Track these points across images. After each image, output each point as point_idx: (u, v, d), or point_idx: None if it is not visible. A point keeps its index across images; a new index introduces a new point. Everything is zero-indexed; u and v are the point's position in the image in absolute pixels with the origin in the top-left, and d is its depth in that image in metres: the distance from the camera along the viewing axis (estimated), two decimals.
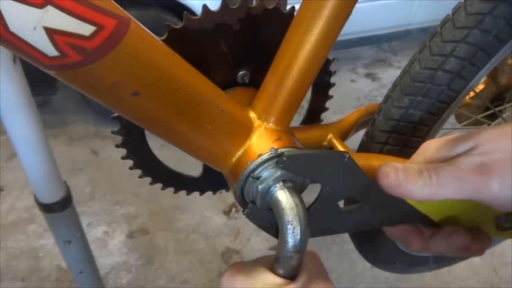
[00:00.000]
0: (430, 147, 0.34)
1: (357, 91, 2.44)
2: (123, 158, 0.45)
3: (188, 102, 0.33)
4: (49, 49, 0.25)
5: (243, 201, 0.38)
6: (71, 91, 2.17)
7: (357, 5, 0.38)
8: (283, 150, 0.36)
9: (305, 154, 0.35)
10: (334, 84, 0.51)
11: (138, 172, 0.47)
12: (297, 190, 0.35)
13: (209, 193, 0.53)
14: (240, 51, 0.42)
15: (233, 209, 1.60)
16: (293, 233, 0.32)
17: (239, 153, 0.38)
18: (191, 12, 1.87)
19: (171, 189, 0.50)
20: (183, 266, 1.39)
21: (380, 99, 0.56)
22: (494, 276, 1.39)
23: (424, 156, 0.34)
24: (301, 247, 0.33)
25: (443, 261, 0.81)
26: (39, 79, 0.87)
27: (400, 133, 0.52)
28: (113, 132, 0.42)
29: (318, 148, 0.54)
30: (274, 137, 0.37)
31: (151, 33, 0.31)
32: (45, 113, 2.10)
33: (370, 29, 2.43)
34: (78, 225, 0.85)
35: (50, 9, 0.24)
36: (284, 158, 0.34)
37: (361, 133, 0.61)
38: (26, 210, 1.58)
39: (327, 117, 0.55)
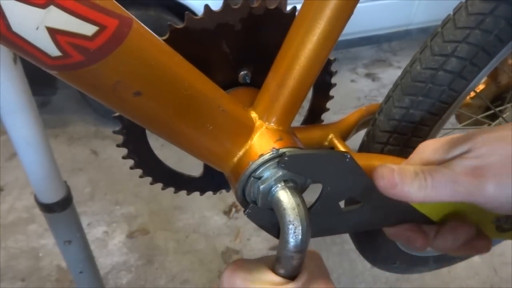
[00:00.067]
0: (427, 148, 0.34)
1: (357, 91, 2.44)
2: (124, 157, 0.45)
3: (190, 102, 0.33)
4: (52, 49, 0.25)
5: (244, 201, 0.38)
6: (71, 91, 2.17)
7: (357, 5, 0.38)
8: (284, 150, 0.36)
9: (306, 154, 0.35)
10: (335, 85, 0.51)
11: (138, 172, 0.47)
12: (298, 190, 0.35)
13: (209, 193, 0.53)
14: (241, 51, 0.42)
15: (233, 209, 1.60)
16: (294, 233, 0.32)
17: (241, 153, 0.38)
18: (191, 12, 1.86)
19: (171, 189, 0.50)
20: (183, 266, 1.39)
21: (380, 99, 0.56)
22: (494, 276, 1.39)
23: (421, 157, 0.34)
24: (302, 247, 0.33)
25: (443, 261, 0.81)
26: (39, 79, 0.87)
27: (401, 133, 0.52)
28: (114, 132, 0.42)
29: (319, 148, 0.54)
30: (275, 137, 0.37)
31: (153, 33, 0.31)
32: (45, 113, 2.10)
33: (370, 29, 2.43)
34: (78, 225, 0.85)
35: (52, 9, 0.24)
36: (286, 158, 0.34)
37: (362, 133, 0.61)
38: (26, 210, 1.57)
39: (327, 117, 0.55)
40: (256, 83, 0.44)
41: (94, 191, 1.68)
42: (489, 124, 0.76)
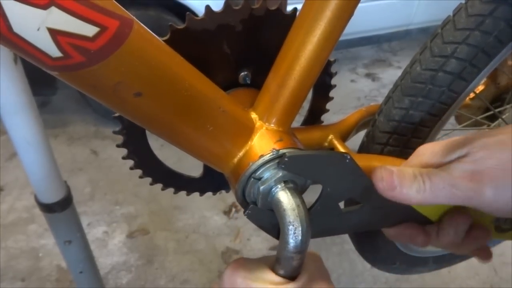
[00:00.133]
0: (425, 151, 0.34)
1: (357, 91, 2.44)
2: (124, 158, 0.45)
3: (190, 103, 0.34)
4: (53, 50, 0.25)
5: (244, 202, 0.38)
6: (71, 91, 2.17)
7: None
8: (284, 151, 0.36)
9: (306, 155, 0.35)
10: (335, 86, 0.52)
11: (138, 172, 0.47)
12: (298, 191, 0.36)
13: (209, 193, 0.53)
14: (242, 52, 0.42)
15: (233, 209, 1.60)
16: (294, 234, 0.32)
17: (241, 154, 0.38)
18: (191, 12, 1.86)
19: (171, 189, 0.50)
20: (183, 266, 1.39)
21: (380, 99, 0.56)
22: (494, 276, 1.39)
23: (420, 160, 0.34)
24: (302, 248, 0.33)
25: (442, 261, 0.81)
26: (40, 79, 0.87)
27: (400, 134, 0.52)
28: (114, 132, 0.43)
29: (319, 149, 0.54)
30: (275, 138, 0.37)
31: (154, 34, 0.31)
32: (45, 113, 2.10)
33: (370, 29, 2.43)
34: (78, 225, 0.85)
35: (53, 10, 0.24)
36: (286, 159, 0.34)
37: (361, 134, 0.61)
38: (26, 210, 1.57)
39: (327, 116, 0.55)
40: (257, 84, 0.44)
41: (94, 191, 1.68)
42: (489, 125, 0.76)
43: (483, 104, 0.78)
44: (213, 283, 0.36)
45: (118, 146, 0.44)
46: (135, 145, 0.44)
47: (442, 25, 0.51)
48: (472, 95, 0.76)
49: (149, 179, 0.48)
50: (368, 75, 2.63)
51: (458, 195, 0.30)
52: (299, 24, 0.38)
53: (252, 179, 0.36)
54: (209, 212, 1.59)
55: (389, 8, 2.33)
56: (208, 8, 0.38)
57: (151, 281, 1.35)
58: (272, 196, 0.35)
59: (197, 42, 0.39)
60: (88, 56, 0.26)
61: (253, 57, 0.43)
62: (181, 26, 0.38)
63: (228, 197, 1.62)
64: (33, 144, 0.69)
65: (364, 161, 0.49)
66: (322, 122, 0.55)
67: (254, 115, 0.39)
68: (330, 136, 0.54)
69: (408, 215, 0.40)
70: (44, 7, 0.24)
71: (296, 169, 0.35)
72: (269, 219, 0.37)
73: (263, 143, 0.37)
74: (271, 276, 0.33)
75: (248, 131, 0.38)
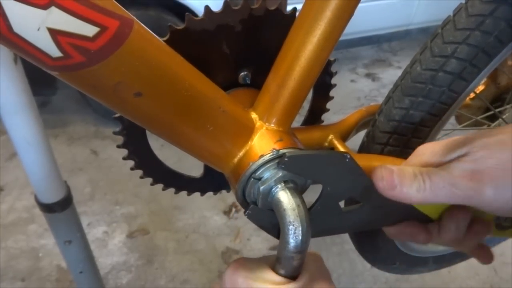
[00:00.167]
0: (425, 151, 0.35)
1: (357, 91, 2.44)
2: (124, 158, 0.45)
3: (190, 103, 0.34)
4: (53, 50, 0.25)
5: (245, 202, 0.38)
6: (71, 91, 2.17)
7: None
8: (284, 151, 0.36)
9: (306, 155, 0.35)
10: (335, 85, 0.52)
11: (138, 172, 0.47)
12: (298, 191, 0.36)
13: (209, 193, 0.53)
14: (241, 52, 0.42)
15: (233, 209, 1.60)
16: (294, 233, 0.32)
17: (241, 154, 0.38)
18: (191, 12, 1.87)
19: (171, 189, 0.50)
20: (183, 266, 1.39)
21: (380, 99, 0.56)
22: (494, 276, 1.39)
23: (420, 159, 0.35)
24: (302, 248, 0.33)
25: (443, 261, 0.81)
26: (40, 79, 0.87)
27: (401, 134, 0.52)
28: (114, 133, 0.43)
29: (319, 149, 0.54)
30: (275, 138, 0.37)
31: (154, 34, 0.31)
32: (45, 113, 2.10)
33: (370, 29, 2.43)
34: (78, 225, 0.85)
35: (54, 10, 0.24)
36: (286, 159, 0.34)
37: (361, 134, 0.61)
38: (26, 210, 1.57)
39: (327, 117, 0.55)
40: (256, 84, 0.44)
41: (94, 191, 1.68)
42: (489, 125, 0.76)
43: (483, 104, 0.78)
44: (214, 283, 0.36)
45: (118, 146, 0.44)
46: (135, 145, 0.44)
47: (443, 25, 0.51)
48: (472, 95, 0.76)
49: (149, 180, 0.48)
50: (368, 75, 2.63)
51: (458, 194, 0.30)
52: (299, 24, 0.38)
53: (252, 179, 0.36)
54: (209, 212, 1.59)
55: (389, 8, 2.33)
56: (207, 8, 0.38)
57: (151, 281, 1.35)
58: (272, 196, 0.35)
59: (196, 42, 0.39)
60: (88, 56, 0.26)
61: (253, 57, 0.43)
62: (180, 26, 0.38)
63: (228, 197, 1.62)
64: (33, 144, 0.69)
65: (364, 161, 0.49)
66: (323, 121, 0.55)
67: (254, 115, 0.39)
68: (330, 136, 0.54)
69: (408, 214, 0.40)
70: (44, 7, 0.24)
71: (296, 169, 0.35)
72: (270, 219, 0.37)
73: (263, 143, 0.37)
74: (272, 276, 0.33)
75: (248, 131, 0.38)
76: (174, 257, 1.43)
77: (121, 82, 0.29)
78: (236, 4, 0.39)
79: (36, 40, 0.25)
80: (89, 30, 0.26)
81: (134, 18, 0.28)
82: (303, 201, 0.34)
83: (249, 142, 0.38)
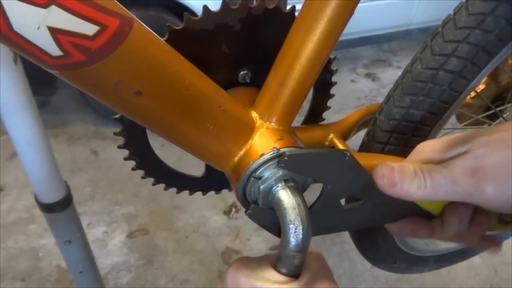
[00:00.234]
0: (426, 148, 0.35)
1: (357, 91, 2.44)
2: (125, 159, 0.45)
3: (191, 102, 0.33)
4: (53, 49, 0.25)
5: (245, 201, 0.38)
6: (71, 91, 2.17)
7: None
8: (285, 150, 0.36)
9: (306, 154, 0.35)
10: (335, 83, 0.51)
11: (138, 172, 0.47)
12: (299, 189, 0.35)
13: (209, 192, 0.53)
14: (241, 51, 0.42)
15: (233, 209, 1.60)
16: (295, 232, 0.32)
17: (241, 152, 0.38)
18: (191, 12, 1.87)
19: (171, 189, 0.50)
20: (183, 266, 1.39)
21: (380, 99, 0.56)
22: (494, 276, 1.39)
23: (420, 156, 0.35)
24: (303, 247, 0.33)
25: (443, 260, 0.81)
26: (40, 79, 0.87)
27: (401, 133, 0.52)
28: (115, 134, 0.42)
29: (319, 147, 0.54)
30: (276, 137, 0.37)
31: (154, 33, 0.31)
32: (45, 113, 2.10)
33: (370, 29, 2.43)
34: (78, 225, 0.85)
35: (54, 8, 0.24)
36: (285, 158, 0.34)
37: (362, 133, 0.61)
38: (26, 210, 1.57)
39: (327, 117, 0.55)
40: (256, 83, 0.44)
41: (94, 191, 1.68)
42: (490, 124, 0.76)
43: (484, 103, 0.77)
44: (216, 283, 0.36)
45: (119, 147, 0.44)
46: (136, 146, 0.44)
47: (443, 24, 0.51)
48: (473, 94, 0.76)
49: (150, 180, 0.48)
50: (368, 75, 2.63)
51: (459, 191, 0.30)
52: (299, 23, 0.38)
53: (253, 178, 0.36)
54: (209, 212, 1.59)
55: (389, 8, 2.33)
56: (205, 8, 0.38)
57: (151, 281, 1.35)
58: (273, 195, 0.35)
59: (195, 42, 0.39)
60: (88, 54, 0.26)
61: (252, 56, 0.43)
62: (179, 26, 0.38)
63: (228, 197, 1.62)
64: (33, 144, 0.69)
65: (364, 160, 0.49)
66: (324, 119, 0.55)
67: (254, 114, 0.39)
68: (331, 135, 0.54)
69: (410, 210, 0.40)
70: (44, 5, 0.24)
71: (296, 167, 0.35)
72: (271, 218, 0.37)
73: (263, 142, 0.37)
74: (273, 275, 0.33)
75: (248, 130, 0.38)
76: (174, 257, 1.42)
77: (121, 81, 0.29)
78: (234, 3, 0.39)
79: (36, 38, 0.25)
80: (89, 28, 0.25)
81: (134, 17, 0.28)
82: (303, 200, 0.34)
83: (250, 141, 0.37)
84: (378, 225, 0.42)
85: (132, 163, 0.46)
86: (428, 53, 0.50)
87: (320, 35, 0.36)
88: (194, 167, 0.54)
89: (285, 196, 0.34)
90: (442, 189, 0.30)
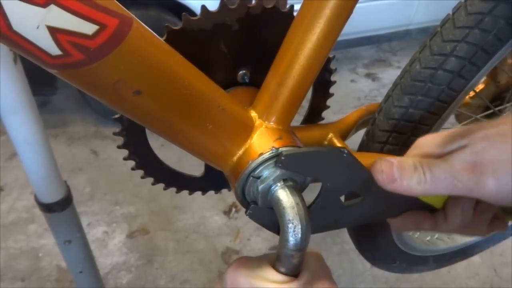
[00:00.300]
0: (425, 143, 0.34)
1: (357, 91, 2.44)
2: (125, 159, 0.45)
3: (190, 101, 0.34)
4: (52, 48, 0.25)
5: (244, 200, 0.38)
6: (71, 91, 2.17)
7: (357, 5, 0.38)
8: (283, 149, 0.36)
9: (302, 153, 0.35)
10: (334, 82, 0.52)
11: (138, 172, 0.47)
12: (297, 189, 0.36)
13: (209, 193, 0.53)
14: (239, 51, 0.42)
15: (233, 209, 1.60)
16: (294, 231, 0.32)
17: (240, 152, 0.38)
18: (191, 12, 1.87)
19: (171, 189, 0.50)
20: (183, 266, 1.39)
21: (380, 99, 0.56)
22: (494, 276, 1.39)
23: (420, 151, 0.34)
24: (302, 246, 0.33)
25: (443, 260, 0.81)
26: (39, 79, 0.87)
27: (400, 133, 0.52)
28: (114, 133, 0.43)
29: (317, 146, 0.54)
30: (275, 136, 0.37)
31: (153, 33, 0.31)
32: (45, 113, 2.10)
33: (370, 29, 2.43)
34: (78, 225, 0.85)
35: (53, 8, 0.24)
36: (282, 158, 0.34)
37: (361, 132, 0.61)
38: (26, 210, 1.58)
39: (327, 117, 0.55)
40: (255, 82, 0.44)
41: (94, 191, 1.68)
42: None
43: (483, 103, 0.78)
44: (215, 283, 0.36)
45: (119, 147, 0.44)
46: (135, 145, 0.44)
47: (442, 23, 0.51)
48: (472, 93, 0.76)
49: (149, 179, 0.48)
50: (368, 75, 2.63)
51: (459, 186, 0.30)
52: (298, 22, 0.38)
53: (252, 177, 0.36)
54: (209, 212, 1.59)
55: (389, 8, 2.33)
56: (204, 7, 0.38)
57: (151, 281, 1.35)
58: (272, 194, 0.35)
59: (194, 42, 0.39)
60: (87, 54, 0.26)
61: (251, 56, 0.43)
62: (177, 26, 0.38)
63: (228, 197, 1.62)
64: (33, 144, 0.69)
65: (363, 159, 0.49)
66: (323, 119, 0.55)
67: (253, 114, 0.39)
68: (330, 135, 0.54)
69: (411, 205, 0.40)
70: (44, 5, 0.24)
71: (294, 167, 0.35)
72: (270, 217, 0.37)
73: (262, 141, 0.37)
74: (272, 274, 0.33)
75: (247, 129, 0.38)
76: (174, 257, 1.43)
77: (120, 80, 0.29)
78: (233, 3, 0.39)
79: (36, 38, 0.25)
80: (89, 28, 0.26)
81: (134, 16, 0.29)
82: (302, 199, 0.34)
83: (249, 141, 0.38)
84: (380, 220, 0.42)
85: (131, 163, 0.46)
86: (427, 53, 0.50)
87: (319, 34, 0.37)
88: (194, 167, 0.54)
89: (284, 196, 0.34)
90: (442, 183, 0.30)
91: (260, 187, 0.35)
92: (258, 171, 0.36)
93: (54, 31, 0.25)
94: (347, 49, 2.75)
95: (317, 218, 0.38)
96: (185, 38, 0.38)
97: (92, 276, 0.94)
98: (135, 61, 0.29)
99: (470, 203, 0.37)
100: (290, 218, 0.33)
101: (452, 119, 0.83)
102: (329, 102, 0.54)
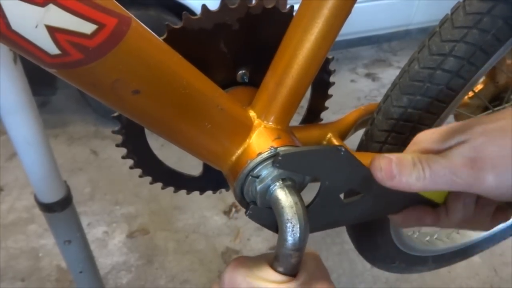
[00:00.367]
0: (424, 138, 0.34)
1: (357, 91, 2.44)
2: (123, 157, 0.45)
3: (188, 101, 0.34)
4: (51, 47, 0.25)
5: (243, 200, 0.38)
6: (71, 91, 2.17)
7: (357, 5, 0.38)
8: (282, 148, 0.36)
9: (300, 152, 0.35)
10: (333, 83, 0.52)
11: (138, 172, 0.47)
12: (296, 188, 0.36)
13: (209, 193, 0.53)
14: (239, 51, 0.42)
15: (233, 209, 1.60)
16: (292, 231, 0.32)
17: (239, 151, 0.38)
18: (191, 12, 1.87)
19: (171, 189, 0.50)
20: (183, 266, 1.39)
21: (380, 99, 0.56)
22: (494, 276, 1.39)
23: (419, 146, 0.34)
24: (300, 245, 0.33)
25: (442, 260, 0.81)
26: (39, 79, 0.87)
27: (399, 132, 0.53)
28: (113, 132, 0.43)
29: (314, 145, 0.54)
30: (273, 136, 0.38)
31: (152, 32, 0.31)
32: (45, 113, 2.11)
33: (370, 29, 2.43)
34: (78, 225, 0.85)
35: (51, 7, 0.24)
36: (279, 158, 0.34)
37: (360, 132, 0.61)
38: (26, 210, 1.58)
39: (327, 117, 0.55)
40: (255, 82, 0.44)
41: (94, 191, 1.68)
42: None
43: (482, 103, 0.78)
44: (213, 283, 0.36)
45: (117, 145, 0.44)
46: (134, 144, 0.44)
47: (441, 23, 0.51)
48: (471, 94, 0.76)
49: (149, 179, 0.48)
50: (368, 75, 2.63)
51: (459, 182, 0.29)
52: (296, 22, 0.38)
53: (250, 177, 0.36)
54: (209, 212, 1.59)
55: (389, 8, 2.34)
56: (204, 7, 0.38)
57: (151, 281, 1.35)
58: (270, 194, 0.35)
59: (194, 41, 0.39)
60: (86, 53, 0.26)
61: (251, 56, 0.43)
62: (177, 25, 0.38)
63: (228, 197, 1.62)
64: (33, 144, 0.69)
65: (362, 159, 0.49)
66: (322, 120, 0.55)
67: (252, 113, 0.40)
68: (329, 135, 0.54)
69: (412, 200, 0.40)
70: (42, 4, 0.24)
71: (291, 166, 0.35)
72: (270, 217, 0.37)
73: (261, 141, 0.37)
74: (270, 274, 0.33)
75: (246, 129, 0.38)
76: (174, 257, 1.43)
77: (119, 80, 0.29)
78: (233, 2, 0.39)
79: (34, 37, 0.25)
80: (87, 27, 0.26)
81: (132, 16, 0.29)
82: (301, 199, 0.34)
83: (247, 140, 0.38)
84: (381, 217, 0.42)
85: (131, 162, 0.46)
86: (426, 53, 0.50)
87: (318, 34, 0.37)
88: (193, 167, 0.54)
89: (282, 195, 0.34)
90: (441, 179, 0.30)
91: (258, 187, 0.35)
92: (256, 170, 0.36)
93: (53, 31, 0.25)
94: (347, 49, 2.75)
95: (317, 217, 0.38)
96: (185, 37, 0.38)
97: (92, 276, 0.94)
98: (133, 61, 0.29)
99: (471, 197, 0.37)
100: (289, 218, 0.33)
101: (451, 119, 0.83)
102: (329, 102, 0.54)
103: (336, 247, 1.47)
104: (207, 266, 1.40)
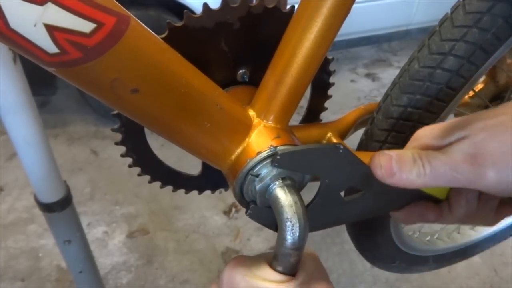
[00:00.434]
0: (424, 134, 0.34)
1: (357, 91, 2.44)
2: (122, 156, 0.45)
3: (187, 100, 0.34)
4: (49, 46, 0.25)
5: (243, 199, 0.38)
6: (71, 91, 2.17)
7: (357, 5, 0.38)
8: (281, 148, 0.36)
9: (298, 151, 0.35)
10: (333, 84, 0.52)
11: (138, 172, 0.47)
12: (296, 187, 0.36)
13: (209, 193, 0.53)
14: (240, 50, 0.42)
15: (233, 209, 1.60)
16: (291, 230, 0.32)
17: (238, 150, 0.38)
18: (191, 12, 1.86)
19: (171, 189, 0.50)
20: (183, 266, 1.39)
21: (380, 100, 0.56)
22: (494, 276, 1.39)
23: (419, 142, 0.34)
24: (299, 244, 0.33)
25: (443, 260, 0.81)
26: (39, 79, 0.87)
27: (399, 132, 0.52)
28: (112, 130, 0.43)
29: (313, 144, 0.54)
30: (273, 135, 0.38)
31: (151, 31, 0.31)
32: (45, 113, 2.11)
33: (370, 29, 2.43)
34: (78, 225, 0.85)
35: (50, 6, 0.24)
36: (278, 157, 0.34)
37: (360, 132, 0.61)
38: (26, 210, 1.58)
39: (327, 117, 0.55)
40: (255, 81, 0.44)
41: (94, 191, 1.68)
42: None
43: (482, 102, 0.77)
44: (212, 283, 0.36)
45: (116, 144, 0.44)
46: (133, 142, 0.44)
47: (440, 22, 0.51)
48: (471, 93, 0.76)
49: (148, 178, 0.48)
50: (368, 75, 2.63)
51: (459, 178, 0.29)
52: (296, 21, 0.38)
53: (250, 176, 0.36)
54: (209, 212, 1.59)
55: (389, 8, 2.34)
56: (205, 5, 0.38)
57: (151, 281, 1.35)
58: (270, 193, 0.35)
59: (195, 40, 0.39)
60: (84, 52, 0.26)
61: (251, 55, 0.43)
62: (179, 23, 0.38)
63: (228, 197, 1.62)
64: (33, 144, 0.69)
65: (362, 158, 0.49)
66: (321, 120, 0.55)
67: (252, 112, 0.39)
68: (329, 134, 0.54)
69: (414, 197, 0.39)
70: (41, 3, 0.24)
71: (290, 165, 0.35)
72: (270, 216, 0.37)
73: (260, 140, 0.37)
74: (269, 273, 0.33)
75: (245, 128, 0.38)
76: (174, 257, 1.43)
77: (118, 79, 0.29)
78: (234, 2, 0.39)
79: (33, 36, 0.25)
80: (86, 26, 0.26)
81: (131, 15, 0.29)
82: (300, 198, 0.34)
83: (247, 139, 0.38)
84: (383, 214, 0.42)
85: (130, 162, 0.46)
86: (426, 52, 0.50)
87: (317, 33, 0.37)
88: (193, 166, 0.54)
89: (282, 194, 0.34)
90: (442, 176, 0.30)
91: (258, 186, 0.35)
92: (256, 169, 0.36)
93: (52, 29, 0.25)
94: (347, 49, 2.75)
95: (318, 215, 0.38)
96: (186, 35, 0.38)
97: (92, 276, 0.94)
98: (132, 60, 0.29)
99: (474, 192, 0.36)
100: (288, 217, 0.33)
101: (451, 118, 0.83)
102: (329, 102, 0.54)
103: (336, 247, 1.46)
104: (207, 266, 1.40)
